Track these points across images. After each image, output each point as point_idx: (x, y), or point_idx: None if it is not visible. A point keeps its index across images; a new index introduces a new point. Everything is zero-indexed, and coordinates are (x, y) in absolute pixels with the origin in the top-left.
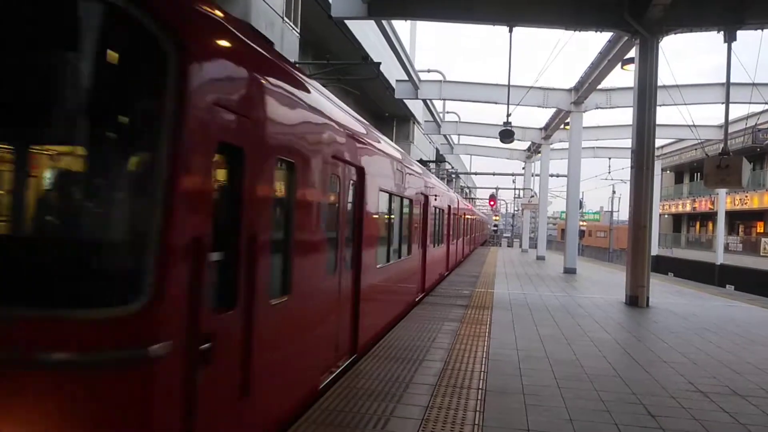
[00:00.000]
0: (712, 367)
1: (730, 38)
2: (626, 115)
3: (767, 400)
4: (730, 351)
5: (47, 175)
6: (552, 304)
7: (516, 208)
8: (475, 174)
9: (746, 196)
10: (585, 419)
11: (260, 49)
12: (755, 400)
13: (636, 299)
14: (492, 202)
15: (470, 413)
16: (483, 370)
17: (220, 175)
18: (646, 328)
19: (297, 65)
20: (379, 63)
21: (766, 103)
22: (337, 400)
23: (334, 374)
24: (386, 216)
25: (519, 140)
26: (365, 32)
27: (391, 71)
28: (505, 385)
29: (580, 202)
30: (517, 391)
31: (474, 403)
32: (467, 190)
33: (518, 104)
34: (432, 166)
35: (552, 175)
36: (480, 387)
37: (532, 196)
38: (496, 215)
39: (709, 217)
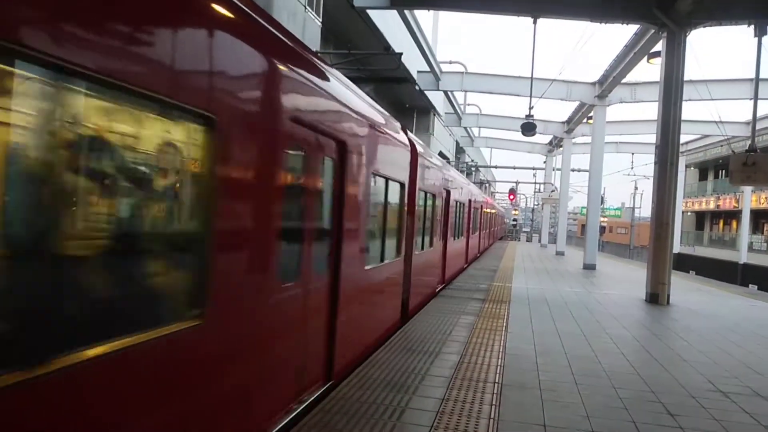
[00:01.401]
0: (734, 367)
1: (760, 32)
2: (650, 110)
3: None
4: (752, 351)
5: None
6: (570, 300)
7: (536, 203)
8: (495, 167)
9: None
10: (602, 416)
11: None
12: None
13: (656, 297)
14: (512, 196)
15: (486, 407)
16: (499, 364)
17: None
18: (666, 326)
19: (318, 54)
20: (401, 54)
21: None
22: (353, 390)
23: (438, 289)
24: (455, 216)
25: (541, 134)
26: (387, 22)
27: (413, 62)
28: (521, 380)
29: (602, 198)
30: (533, 386)
31: (490, 396)
32: (487, 184)
33: (541, 97)
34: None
35: (573, 170)
36: (496, 381)
37: (553, 191)
38: (515, 209)
39: (733, 215)
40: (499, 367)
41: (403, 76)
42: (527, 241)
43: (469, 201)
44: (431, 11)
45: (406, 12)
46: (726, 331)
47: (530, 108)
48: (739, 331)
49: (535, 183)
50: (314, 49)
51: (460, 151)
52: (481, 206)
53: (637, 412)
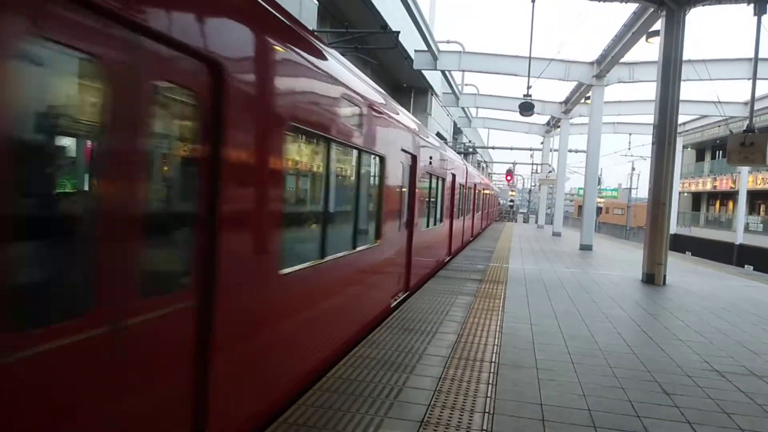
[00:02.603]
0: (729, 346)
1: (760, 11)
2: (649, 90)
3: None
4: (747, 331)
5: None
6: (567, 280)
7: (533, 184)
8: (493, 148)
9: None
10: (598, 395)
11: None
12: None
13: (652, 277)
14: (509, 177)
15: (483, 386)
16: (496, 343)
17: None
18: (662, 306)
19: (315, 33)
20: (398, 32)
21: None
22: (350, 369)
23: (469, 240)
24: (478, 197)
25: (538, 114)
26: (384, 1)
27: (410, 41)
28: (518, 359)
29: (599, 179)
30: (530, 365)
31: (487, 375)
32: (484, 165)
33: (539, 77)
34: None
35: (571, 151)
36: (493, 360)
37: (550, 172)
38: (512, 190)
39: (730, 196)
40: (495, 347)
41: None
42: (524, 222)
43: (431, 160)
44: None
45: None
46: (721, 311)
47: (528, 88)
48: (734, 311)
49: (533, 164)
50: (311, 28)
51: (457, 131)
52: (454, 178)
53: (632, 390)
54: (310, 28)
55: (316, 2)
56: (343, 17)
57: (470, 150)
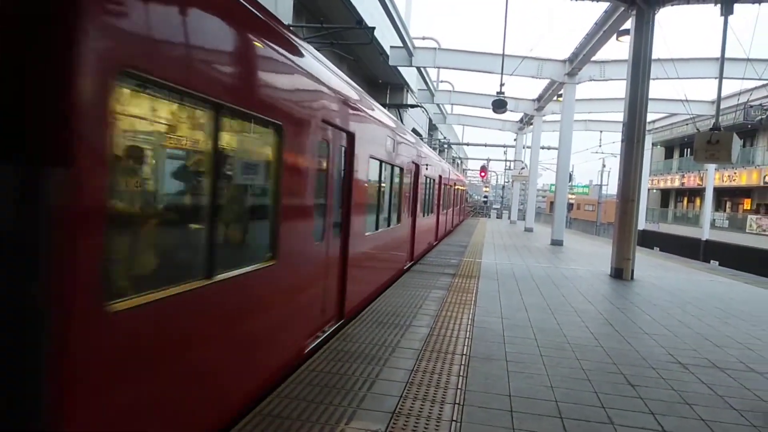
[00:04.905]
0: (693, 340)
1: (726, 11)
2: (619, 88)
3: (745, 373)
4: (711, 325)
5: None
6: (538, 275)
7: (506, 180)
8: (467, 145)
9: (735, 173)
10: (566, 387)
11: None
12: (733, 372)
13: (621, 272)
14: (483, 174)
15: (454, 378)
16: (468, 336)
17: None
18: (629, 300)
19: (290, 27)
20: (374, 28)
21: (759, 79)
22: (324, 362)
23: (461, 221)
24: (452, 193)
25: (512, 111)
26: None
27: (386, 37)
28: (488, 352)
29: (570, 175)
30: (500, 357)
31: (458, 368)
32: (458, 161)
33: (512, 74)
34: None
35: (543, 147)
36: (464, 353)
37: (523, 168)
38: (486, 186)
39: (697, 192)
40: (467, 340)
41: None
42: (497, 217)
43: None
44: None
45: None
46: (687, 306)
47: (501, 85)
48: (699, 306)
49: (506, 160)
50: (287, 23)
51: (432, 128)
52: (438, 178)
53: (599, 383)
54: (286, 23)
55: None
56: (320, 12)
57: (445, 146)
